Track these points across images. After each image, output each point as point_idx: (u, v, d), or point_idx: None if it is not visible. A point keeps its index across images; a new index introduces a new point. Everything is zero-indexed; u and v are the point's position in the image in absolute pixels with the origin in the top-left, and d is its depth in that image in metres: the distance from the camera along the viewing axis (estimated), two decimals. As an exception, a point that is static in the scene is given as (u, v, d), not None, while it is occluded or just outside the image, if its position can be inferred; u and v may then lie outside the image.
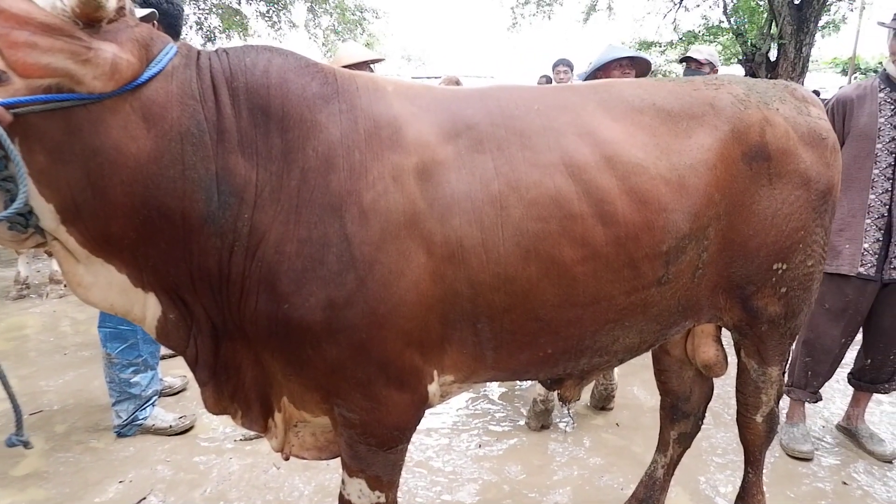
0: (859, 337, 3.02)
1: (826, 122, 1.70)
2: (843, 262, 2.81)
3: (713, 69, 4.40)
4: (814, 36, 10.16)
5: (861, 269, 2.77)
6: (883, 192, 2.73)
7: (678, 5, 13.58)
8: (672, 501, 2.42)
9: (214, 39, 12.55)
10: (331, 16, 13.97)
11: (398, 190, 1.27)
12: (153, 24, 2.17)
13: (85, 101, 1.12)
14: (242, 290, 1.29)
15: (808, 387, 2.99)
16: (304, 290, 1.24)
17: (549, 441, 3.02)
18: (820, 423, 3.26)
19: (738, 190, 1.54)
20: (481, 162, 1.34)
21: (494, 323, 1.38)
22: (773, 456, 2.89)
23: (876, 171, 2.73)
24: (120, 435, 2.97)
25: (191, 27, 12.15)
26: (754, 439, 2.01)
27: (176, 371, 3.67)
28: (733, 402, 2.02)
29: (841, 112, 2.86)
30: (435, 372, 1.43)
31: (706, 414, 2.20)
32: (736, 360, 1.93)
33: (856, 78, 16.05)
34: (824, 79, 18.07)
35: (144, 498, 2.48)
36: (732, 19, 12.15)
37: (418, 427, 1.53)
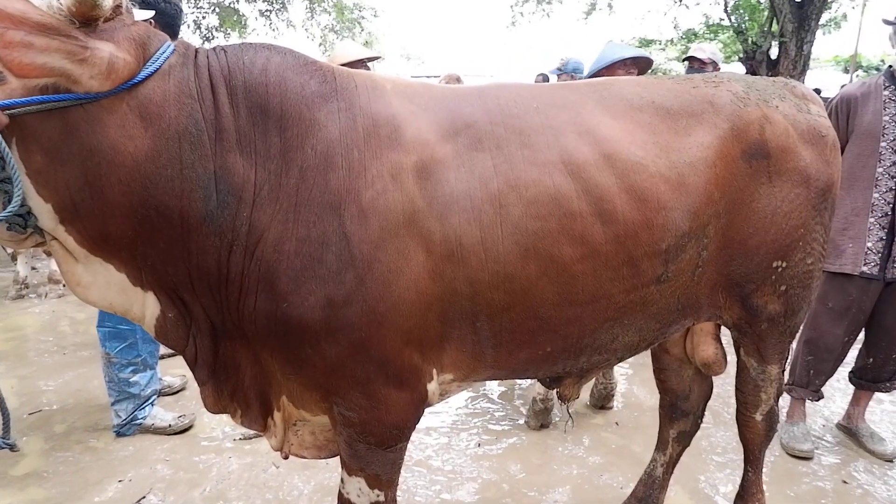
0: (861, 335, 3.02)
1: (826, 119, 1.70)
2: (846, 261, 2.80)
3: (716, 67, 4.39)
4: (815, 33, 10.15)
5: (864, 268, 2.76)
6: (887, 191, 2.71)
7: (679, 3, 13.56)
8: (671, 500, 2.42)
9: (212, 39, 12.54)
10: (329, 14, 13.95)
11: (397, 188, 1.27)
12: (150, 23, 2.16)
13: (82, 101, 1.11)
14: (241, 289, 1.29)
15: (810, 385, 2.99)
16: (303, 288, 1.24)
17: (548, 440, 3.02)
18: (820, 422, 3.26)
19: (738, 188, 1.54)
20: (480, 160, 1.34)
21: (494, 321, 1.38)
22: (772, 455, 2.88)
23: (880, 170, 2.72)
24: (119, 434, 2.97)
25: (188, 27, 12.14)
26: (754, 438, 2.01)
27: (175, 371, 3.67)
28: (733, 400, 2.02)
29: (845, 110, 2.84)
30: (434, 370, 1.43)
31: (705, 412, 2.20)
32: (735, 359, 1.93)
33: (857, 76, 16.03)
34: (825, 76, 18.06)
35: (144, 497, 2.48)
36: (733, 17, 12.14)
37: (418, 426, 1.53)
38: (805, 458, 2.87)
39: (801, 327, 3.02)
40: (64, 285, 5.49)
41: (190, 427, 3.07)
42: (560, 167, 1.37)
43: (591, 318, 1.45)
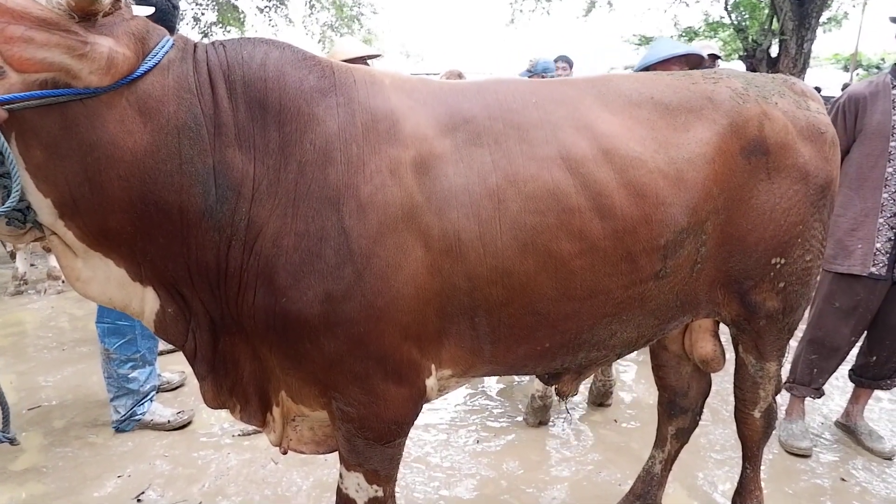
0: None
1: (825, 116, 1.70)
2: (854, 261, 2.77)
3: (714, 60, 4.34)
4: (815, 31, 10.13)
5: (873, 269, 2.74)
6: None
7: (679, 0, 13.53)
8: (670, 497, 2.43)
9: (211, 35, 12.51)
10: (328, 11, 13.92)
11: (396, 183, 1.27)
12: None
13: (81, 96, 1.11)
14: (240, 284, 1.29)
15: (812, 383, 2.99)
16: (301, 283, 1.24)
17: (546, 437, 3.02)
18: (818, 420, 3.27)
19: (737, 184, 1.54)
20: (479, 155, 1.34)
21: (492, 316, 1.38)
22: (771, 452, 2.89)
23: (890, 170, 2.69)
24: (118, 430, 2.97)
25: (187, 23, 12.10)
26: (752, 435, 2.02)
27: (174, 367, 3.67)
28: (731, 398, 2.03)
29: (853, 110, 2.80)
30: (433, 366, 1.43)
31: (704, 410, 2.20)
32: (734, 356, 1.93)
33: (857, 74, 16.02)
34: (825, 75, 18.05)
35: (143, 492, 2.49)
36: (733, 14, 12.12)
37: (416, 423, 1.53)
38: (803, 455, 2.87)
39: (806, 326, 3.03)
40: (63, 281, 5.50)
41: (189, 423, 3.07)
42: (559, 162, 1.37)
43: (589, 313, 1.45)
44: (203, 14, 12.52)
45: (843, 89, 9.27)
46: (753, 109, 1.56)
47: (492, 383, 3.67)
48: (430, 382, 1.44)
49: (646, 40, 14.52)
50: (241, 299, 1.30)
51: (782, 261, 1.64)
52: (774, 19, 10.48)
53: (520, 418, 3.20)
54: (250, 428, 2.89)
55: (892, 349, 2.88)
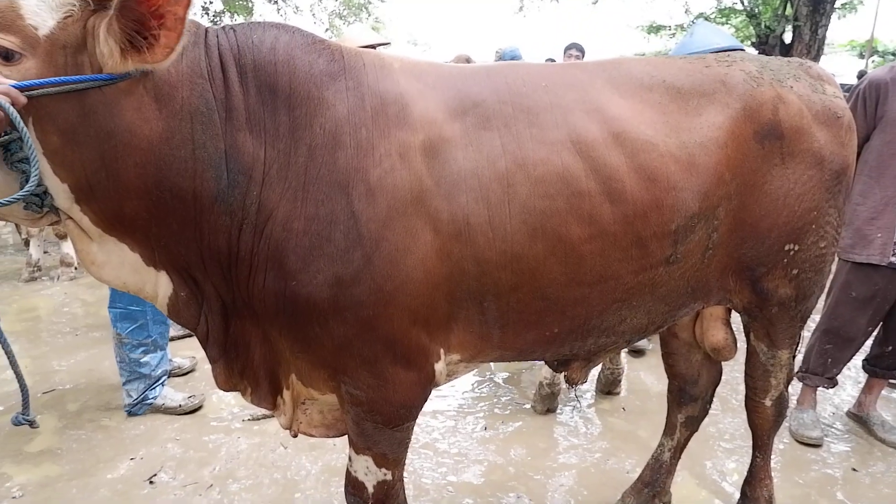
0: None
1: (842, 100, 1.66)
2: (873, 251, 2.74)
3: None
4: (830, 17, 9.94)
5: (893, 259, 2.70)
6: None
7: (691, -13, 13.30)
8: (678, 486, 2.43)
9: (219, 24, 12.50)
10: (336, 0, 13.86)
11: (405, 167, 1.27)
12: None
13: (99, 83, 1.11)
14: (251, 267, 1.29)
15: (826, 373, 2.97)
16: (311, 267, 1.24)
17: (554, 424, 3.03)
18: (830, 410, 3.25)
19: (750, 169, 1.51)
20: (488, 139, 1.33)
21: (501, 301, 1.38)
22: (781, 442, 2.88)
23: None
24: (130, 414, 3.01)
25: (195, 13, 12.09)
26: (763, 423, 2.00)
27: (185, 352, 3.71)
28: (741, 387, 2.01)
29: (874, 96, 2.74)
30: (441, 350, 1.43)
31: (714, 399, 2.19)
32: (745, 344, 1.91)
33: (873, 61, 15.72)
34: (840, 62, 17.73)
35: (155, 475, 2.53)
36: (746, 0, 11.90)
37: (424, 409, 1.54)
38: (814, 445, 2.86)
39: (821, 316, 3.00)
40: (76, 268, 5.56)
41: (199, 407, 3.11)
42: (568, 146, 1.36)
43: (598, 298, 1.45)
44: (211, 3, 12.51)
45: (858, 76, 9.10)
46: (768, 93, 1.54)
47: (500, 370, 3.68)
48: (439, 367, 1.44)
49: (655, 29, 14.31)
50: (252, 283, 1.31)
51: (796, 247, 1.62)
52: (788, 5, 10.29)
53: (527, 405, 3.21)
54: (260, 412, 2.93)
55: None
